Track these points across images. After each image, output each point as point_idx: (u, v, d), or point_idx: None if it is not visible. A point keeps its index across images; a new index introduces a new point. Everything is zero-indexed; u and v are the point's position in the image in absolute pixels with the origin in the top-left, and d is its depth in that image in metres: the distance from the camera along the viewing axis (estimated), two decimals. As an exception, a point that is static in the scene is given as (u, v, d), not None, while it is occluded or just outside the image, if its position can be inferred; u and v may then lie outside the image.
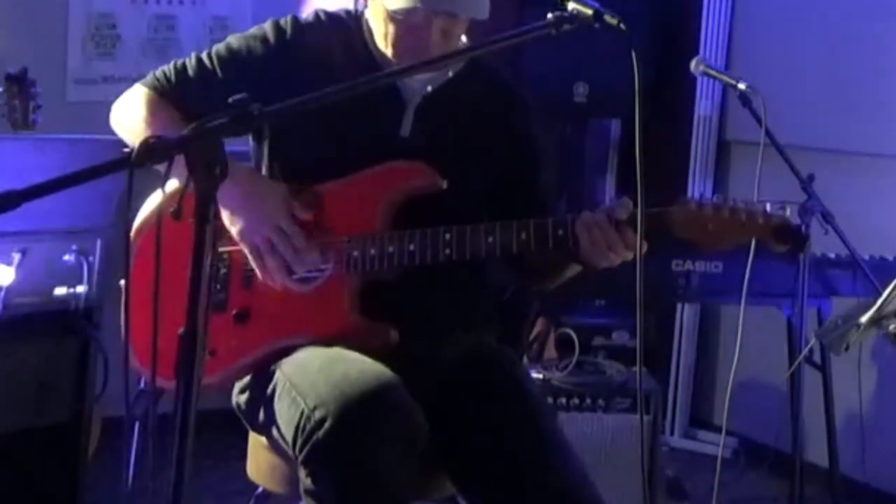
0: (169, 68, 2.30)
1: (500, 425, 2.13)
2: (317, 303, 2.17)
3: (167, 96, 2.27)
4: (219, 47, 2.28)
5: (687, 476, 4.01)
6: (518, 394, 2.20)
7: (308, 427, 1.94)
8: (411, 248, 2.13)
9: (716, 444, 3.74)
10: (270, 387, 2.13)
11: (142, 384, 3.03)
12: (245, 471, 2.39)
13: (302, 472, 1.98)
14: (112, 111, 2.32)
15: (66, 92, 3.95)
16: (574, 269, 2.24)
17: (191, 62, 2.28)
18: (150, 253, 1.54)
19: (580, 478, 2.08)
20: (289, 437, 2.02)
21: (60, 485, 3.22)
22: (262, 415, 2.19)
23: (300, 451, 1.96)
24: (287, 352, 2.16)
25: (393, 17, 2.15)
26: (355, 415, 1.92)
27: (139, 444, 3.35)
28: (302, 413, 1.97)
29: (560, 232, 2.09)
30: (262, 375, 2.17)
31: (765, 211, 2.06)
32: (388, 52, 2.19)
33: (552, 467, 2.07)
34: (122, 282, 1.73)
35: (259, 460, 2.33)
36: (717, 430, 4.26)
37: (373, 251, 2.14)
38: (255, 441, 2.33)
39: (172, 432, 1.51)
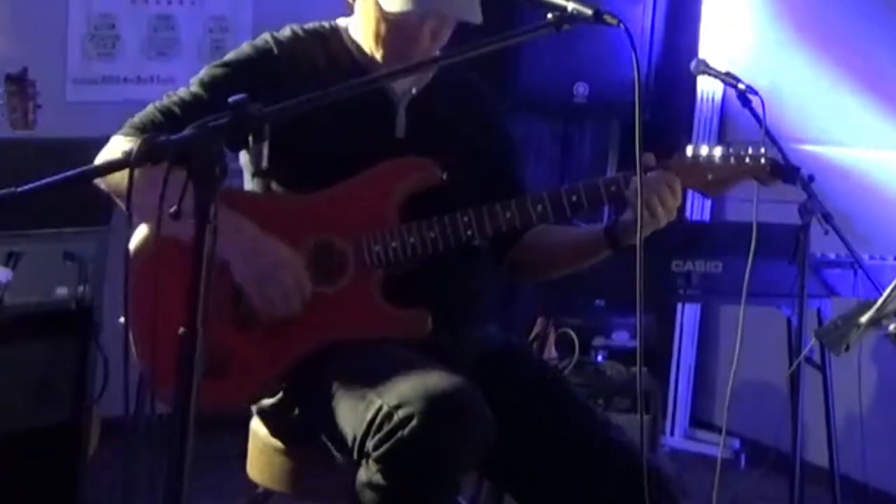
0: (151, 112, 2.21)
1: (546, 410, 2.19)
2: (347, 301, 2.19)
3: None
4: (201, 78, 2.23)
5: (687, 476, 4.01)
6: (551, 378, 2.31)
7: (388, 425, 1.95)
8: (432, 235, 2.17)
9: (716, 445, 3.74)
10: (310, 387, 2.14)
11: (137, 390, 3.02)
12: (245, 471, 2.39)
13: (371, 468, 1.98)
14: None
15: (65, 92, 3.95)
16: (600, 255, 2.29)
17: (172, 101, 2.21)
18: (153, 263, 1.54)
19: (630, 444, 2.15)
20: (352, 434, 2.03)
21: (60, 485, 3.22)
22: (294, 416, 2.20)
23: (375, 448, 1.96)
24: (322, 352, 2.16)
25: (385, 17, 2.17)
26: (442, 415, 1.94)
27: (139, 444, 3.35)
28: (378, 410, 1.98)
29: (574, 198, 2.18)
30: (296, 377, 2.18)
31: (752, 154, 2.26)
32: (377, 52, 2.22)
33: (604, 435, 2.16)
34: (125, 285, 1.73)
35: (267, 462, 2.32)
36: (718, 430, 4.26)
37: (394, 244, 2.17)
38: (261, 442, 2.33)
39: (172, 432, 1.52)
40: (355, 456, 2.02)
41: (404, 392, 1.98)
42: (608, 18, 1.78)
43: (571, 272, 2.41)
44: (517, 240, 2.33)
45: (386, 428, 1.96)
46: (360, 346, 2.16)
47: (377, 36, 2.21)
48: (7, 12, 3.84)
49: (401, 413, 1.95)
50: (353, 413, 2.04)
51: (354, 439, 2.02)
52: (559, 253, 2.38)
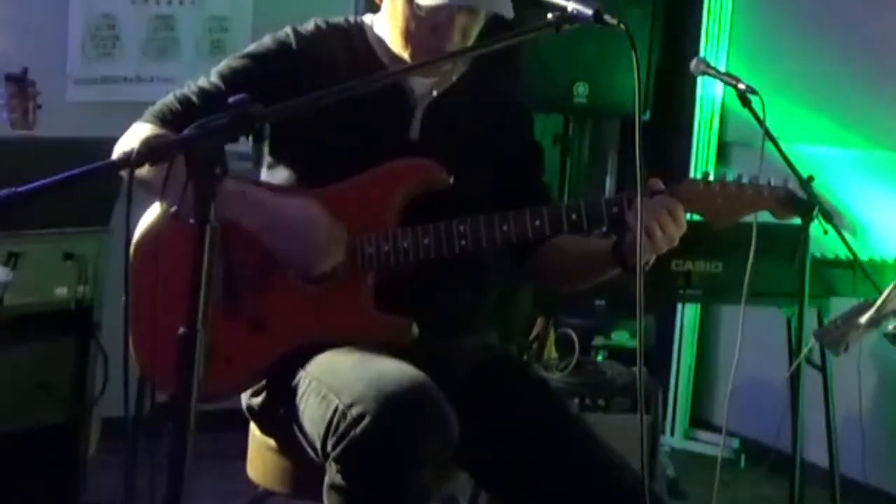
0: (170, 101, 2.22)
1: (532, 419, 2.18)
2: (334, 302, 2.17)
3: (173, 127, 2.16)
4: (221, 70, 2.23)
5: (687, 476, 4.01)
6: (543, 391, 2.27)
7: (343, 424, 1.95)
8: (426, 241, 2.14)
9: (716, 445, 3.74)
10: (291, 387, 2.14)
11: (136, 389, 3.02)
12: (245, 471, 2.39)
13: (332, 469, 1.98)
14: (114, 153, 2.26)
15: (66, 92, 3.95)
16: (610, 273, 2.25)
17: (192, 90, 2.22)
18: (153, 260, 1.54)
19: (620, 460, 2.13)
20: (315, 434, 2.03)
21: (60, 485, 3.23)
22: (279, 415, 2.19)
23: (333, 448, 1.96)
24: (306, 352, 2.16)
25: (417, 12, 2.15)
26: (394, 412, 1.93)
27: (139, 444, 3.35)
28: (335, 410, 1.97)
29: (574, 216, 2.14)
30: (280, 377, 2.18)
31: (769, 184, 2.21)
32: (405, 51, 2.20)
33: (594, 451, 2.14)
34: (125, 284, 1.73)
35: (263, 461, 2.32)
36: (717, 430, 4.27)
37: (387, 247, 2.15)
38: (258, 442, 2.33)
39: (172, 432, 1.52)
40: (321, 457, 2.02)
41: (358, 391, 1.97)
42: (608, 19, 1.78)
43: (586, 286, 2.36)
44: (536, 249, 2.30)
45: (342, 428, 1.95)
46: (331, 347, 2.15)
47: (406, 33, 2.18)
48: (7, 12, 3.84)
49: (353, 412, 1.94)
50: (316, 413, 2.04)
51: (319, 439, 2.01)
52: (573, 267, 2.34)
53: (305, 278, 2.15)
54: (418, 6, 2.14)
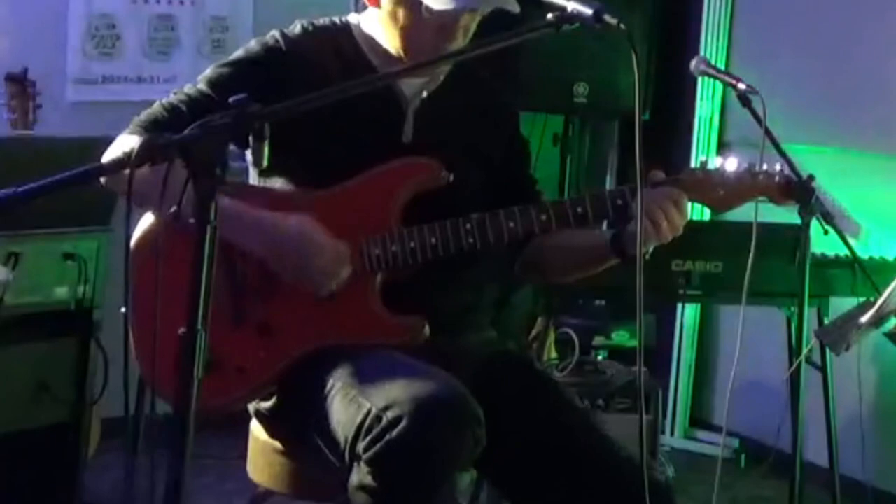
0: (156, 110, 2.20)
1: (538, 412, 2.19)
2: (343, 305, 2.17)
3: None
4: (208, 76, 2.22)
5: (687, 476, 4.01)
6: (548, 384, 2.28)
7: (377, 427, 1.95)
8: (433, 241, 2.15)
9: (716, 444, 3.74)
10: (309, 391, 2.13)
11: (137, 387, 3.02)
12: (244, 470, 2.39)
13: (361, 470, 1.98)
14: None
15: (66, 92, 3.95)
16: (607, 264, 2.26)
17: (179, 98, 2.20)
18: (153, 262, 1.54)
19: (629, 457, 2.13)
20: (342, 437, 2.03)
21: (60, 485, 3.23)
22: (292, 419, 2.19)
23: (365, 451, 1.96)
24: (319, 356, 2.16)
25: (423, 15, 2.13)
26: (431, 415, 1.93)
27: (139, 444, 3.35)
28: (367, 413, 1.97)
29: (579, 209, 2.16)
30: (293, 382, 2.17)
31: (766, 172, 2.26)
32: (405, 52, 2.19)
33: (600, 444, 2.14)
34: (125, 285, 1.73)
35: (266, 462, 2.32)
36: (717, 430, 4.27)
37: (394, 248, 2.15)
38: (259, 443, 2.33)
39: (172, 433, 1.52)
40: (347, 459, 2.02)
41: (393, 394, 1.97)
42: (608, 19, 1.77)
43: (580, 277, 2.37)
44: (528, 241, 2.30)
45: (375, 430, 1.95)
46: (352, 350, 2.15)
47: (409, 34, 2.17)
48: (7, 12, 3.84)
49: (389, 415, 1.94)
50: (343, 416, 2.04)
51: (346, 442, 2.01)
52: (567, 258, 2.35)
53: (315, 297, 2.15)
54: (428, 9, 2.12)
